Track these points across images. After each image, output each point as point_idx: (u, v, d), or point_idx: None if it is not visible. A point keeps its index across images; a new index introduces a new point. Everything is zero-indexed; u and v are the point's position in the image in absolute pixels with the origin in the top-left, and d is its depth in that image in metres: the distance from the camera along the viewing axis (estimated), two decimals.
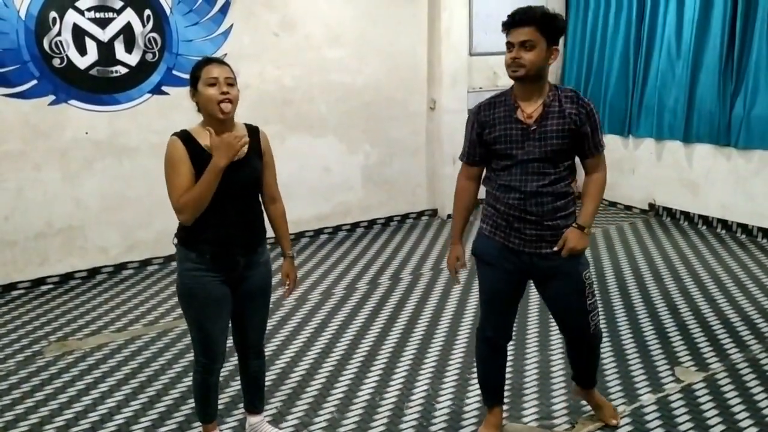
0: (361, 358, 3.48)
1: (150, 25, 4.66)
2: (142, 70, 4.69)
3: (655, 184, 6.08)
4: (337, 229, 5.83)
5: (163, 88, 4.74)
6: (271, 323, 3.74)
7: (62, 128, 4.49)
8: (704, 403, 2.97)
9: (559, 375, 3.24)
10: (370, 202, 5.94)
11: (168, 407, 3.05)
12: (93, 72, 4.52)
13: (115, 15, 4.53)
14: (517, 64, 2.31)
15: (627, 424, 2.83)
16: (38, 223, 4.53)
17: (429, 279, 4.65)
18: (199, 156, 2.25)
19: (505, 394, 2.88)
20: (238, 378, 3.17)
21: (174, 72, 4.75)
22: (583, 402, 2.92)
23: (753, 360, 3.35)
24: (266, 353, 2.84)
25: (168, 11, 4.71)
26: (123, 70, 4.62)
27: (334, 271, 4.87)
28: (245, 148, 2.32)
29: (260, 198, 2.50)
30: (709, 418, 2.85)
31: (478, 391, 2.84)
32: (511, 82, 2.42)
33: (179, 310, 3.76)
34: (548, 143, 2.36)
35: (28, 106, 4.35)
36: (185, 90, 2.45)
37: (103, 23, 4.50)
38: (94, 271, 4.79)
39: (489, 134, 2.43)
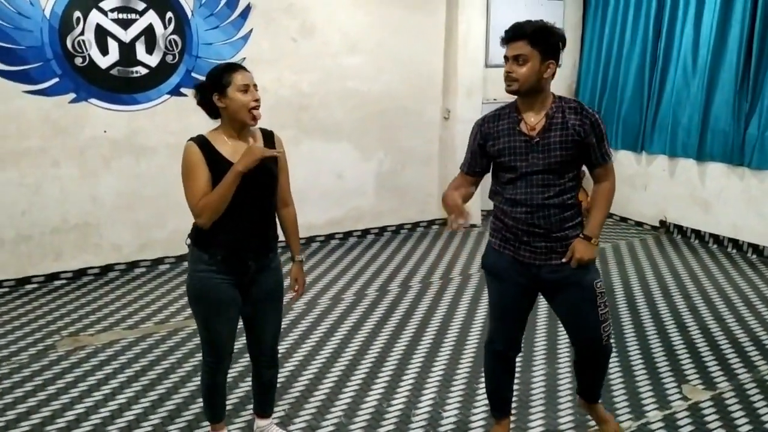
0: (369, 364, 3.50)
1: (171, 27, 4.72)
2: (162, 72, 4.75)
3: (666, 201, 6.08)
4: (348, 234, 5.86)
5: (182, 89, 4.80)
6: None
7: (81, 126, 4.56)
8: (711, 422, 2.97)
9: (566, 388, 3.25)
10: (382, 209, 5.97)
11: (177, 405, 3.08)
12: (114, 72, 4.59)
13: (138, 16, 4.60)
14: (510, 79, 2.32)
15: None
16: (54, 219, 4.59)
17: (438, 288, 4.67)
18: (215, 162, 2.28)
19: (513, 406, 2.89)
20: (248, 379, 3.22)
21: (193, 74, 4.80)
22: (589, 416, 2.92)
23: (760, 380, 3.35)
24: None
25: (189, 14, 4.77)
26: (143, 71, 4.69)
27: (344, 277, 4.90)
28: None
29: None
30: None
31: (485, 402, 2.86)
32: None
33: (190, 310, 3.79)
34: (552, 155, 2.36)
35: (50, 103, 4.42)
36: None
37: (125, 24, 4.57)
38: (107, 268, 4.84)
39: (493, 146, 2.44)
